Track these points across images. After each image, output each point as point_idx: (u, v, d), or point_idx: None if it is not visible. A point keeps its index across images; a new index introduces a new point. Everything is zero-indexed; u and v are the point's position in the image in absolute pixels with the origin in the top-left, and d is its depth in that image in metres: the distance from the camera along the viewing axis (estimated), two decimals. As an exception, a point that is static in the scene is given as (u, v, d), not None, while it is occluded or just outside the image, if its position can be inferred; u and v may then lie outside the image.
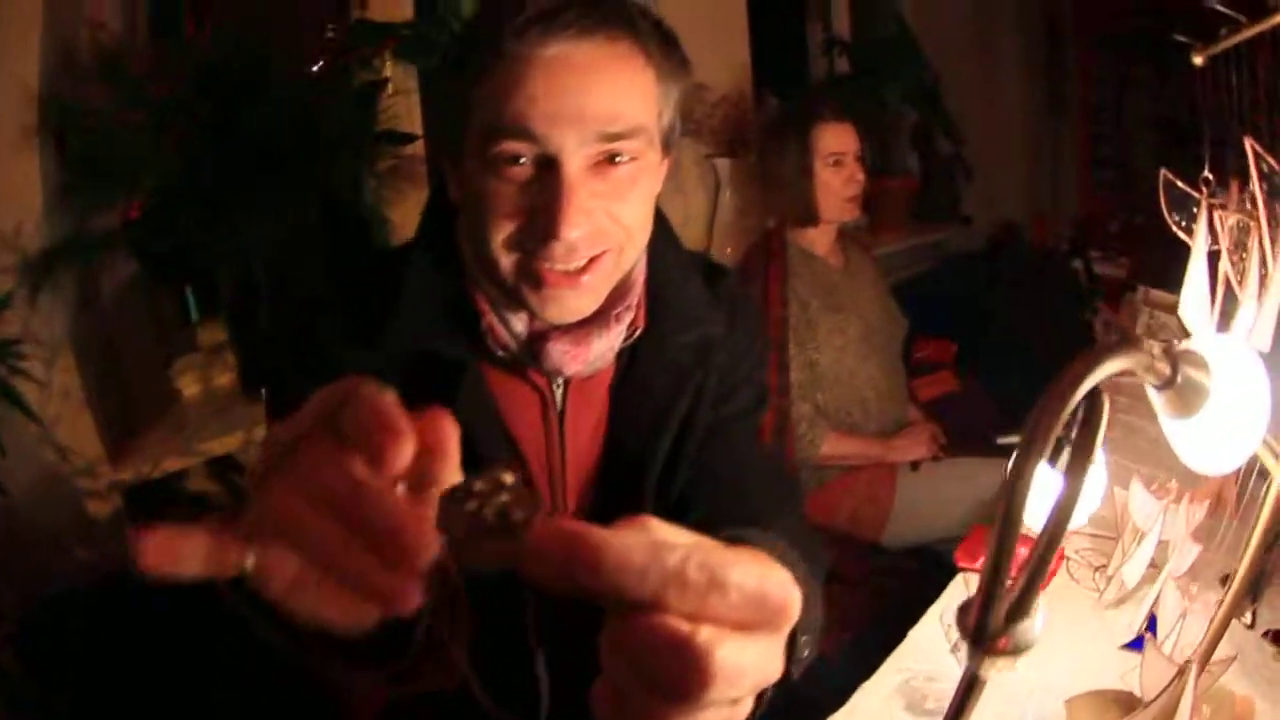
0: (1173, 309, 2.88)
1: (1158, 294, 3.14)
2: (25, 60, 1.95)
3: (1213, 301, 1.04)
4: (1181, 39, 1.13)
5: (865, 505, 2.30)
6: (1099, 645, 1.28)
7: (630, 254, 1.01)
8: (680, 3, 3.09)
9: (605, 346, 1.03)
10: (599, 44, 0.91)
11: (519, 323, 1.02)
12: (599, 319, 1.01)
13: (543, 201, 0.92)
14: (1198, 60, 1.11)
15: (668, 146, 1.03)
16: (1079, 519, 0.98)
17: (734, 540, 0.81)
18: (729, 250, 3.20)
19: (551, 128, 0.90)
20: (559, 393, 1.08)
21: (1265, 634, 1.24)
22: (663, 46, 0.97)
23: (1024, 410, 0.54)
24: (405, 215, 2.44)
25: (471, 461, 0.44)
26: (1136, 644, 1.24)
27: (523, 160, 0.92)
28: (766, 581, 0.41)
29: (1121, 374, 0.60)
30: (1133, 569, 1.34)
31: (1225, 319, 0.99)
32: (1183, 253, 1.18)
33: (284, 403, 1.09)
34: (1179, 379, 0.69)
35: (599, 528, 0.39)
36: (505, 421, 1.05)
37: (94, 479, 2.14)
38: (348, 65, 2.53)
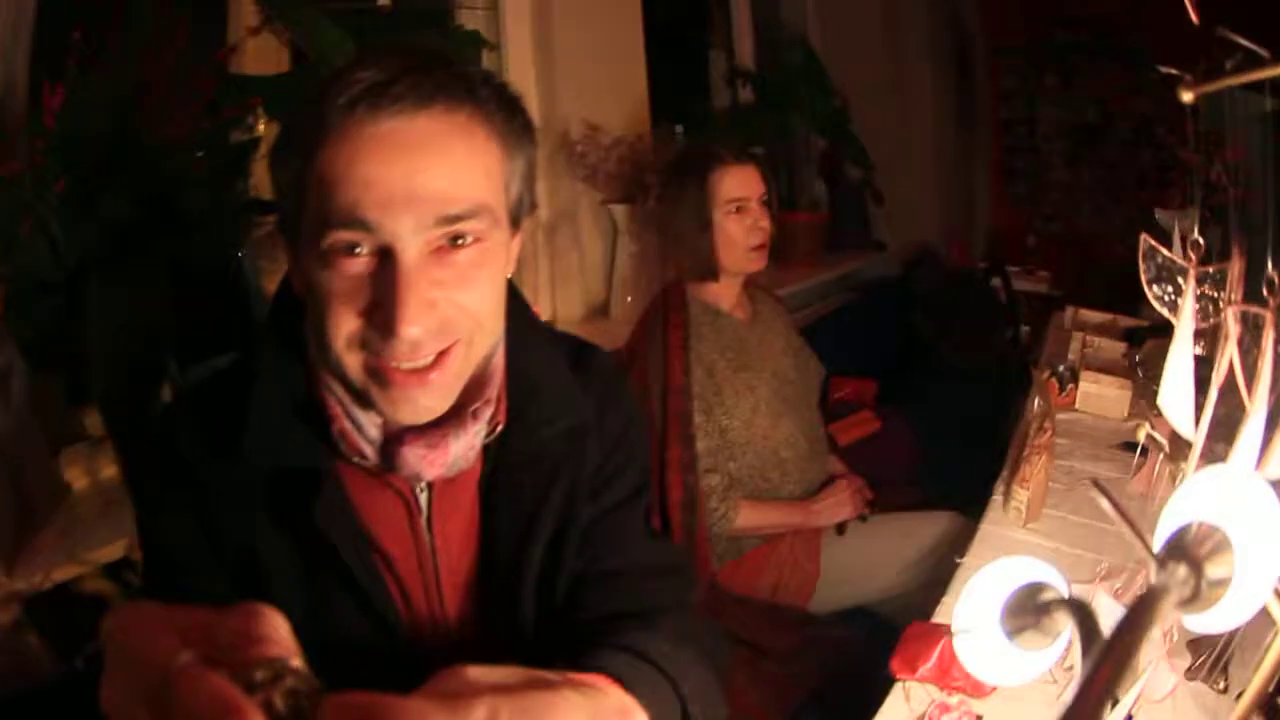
0: (1105, 330, 2.84)
1: (1086, 314, 3.10)
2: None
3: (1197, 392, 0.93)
4: (1171, 71, 1.01)
5: (789, 575, 2.14)
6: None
7: (482, 344, 0.93)
8: (573, 36, 3.00)
9: (464, 447, 0.95)
10: (435, 116, 0.84)
11: (372, 427, 0.94)
12: (454, 418, 0.94)
13: (381, 295, 0.84)
14: (1187, 97, 1.00)
15: (517, 222, 0.96)
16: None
17: (617, 648, 0.78)
18: (629, 300, 3.08)
19: (384, 214, 0.81)
20: (423, 497, 1.00)
21: (1240, 697, 1.17)
22: (507, 114, 0.90)
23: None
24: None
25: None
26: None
27: (359, 250, 0.84)
28: (599, 716, 0.44)
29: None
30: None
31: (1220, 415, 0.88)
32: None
33: (150, 514, 1.04)
34: (1202, 586, 0.63)
35: (392, 696, 0.41)
36: (371, 531, 0.97)
37: (-9, 588, 1.97)
38: (224, 126, 2.40)
